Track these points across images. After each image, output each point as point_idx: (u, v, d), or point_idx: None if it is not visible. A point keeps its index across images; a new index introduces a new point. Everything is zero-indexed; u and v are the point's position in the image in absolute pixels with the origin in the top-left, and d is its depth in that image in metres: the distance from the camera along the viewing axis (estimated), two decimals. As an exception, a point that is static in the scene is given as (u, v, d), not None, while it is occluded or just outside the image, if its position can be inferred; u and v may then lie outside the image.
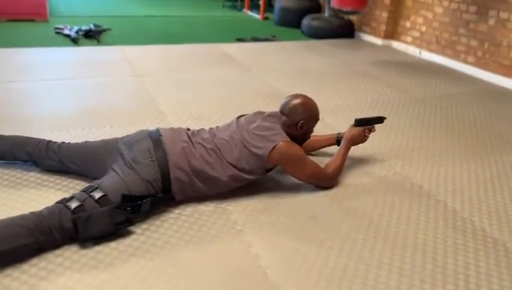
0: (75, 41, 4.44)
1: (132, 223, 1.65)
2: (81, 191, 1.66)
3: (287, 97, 2.07)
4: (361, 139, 2.20)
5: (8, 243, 1.45)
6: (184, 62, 3.99)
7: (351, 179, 2.18)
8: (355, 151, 2.38)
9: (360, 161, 2.36)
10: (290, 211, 1.89)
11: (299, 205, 1.93)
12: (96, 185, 1.67)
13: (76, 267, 1.48)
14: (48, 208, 1.56)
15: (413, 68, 4.39)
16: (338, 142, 2.22)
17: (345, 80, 3.79)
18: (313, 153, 2.36)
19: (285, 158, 1.91)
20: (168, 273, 1.48)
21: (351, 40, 5.46)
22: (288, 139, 1.93)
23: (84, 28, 4.80)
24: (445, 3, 4.50)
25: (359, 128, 2.19)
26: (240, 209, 1.87)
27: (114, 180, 1.71)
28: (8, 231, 1.45)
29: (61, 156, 1.95)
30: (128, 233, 1.65)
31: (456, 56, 4.45)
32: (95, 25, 5.01)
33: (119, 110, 2.80)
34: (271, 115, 2.04)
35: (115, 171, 1.77)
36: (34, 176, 1.98)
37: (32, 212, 1.53)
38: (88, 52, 4.14)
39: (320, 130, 2.40)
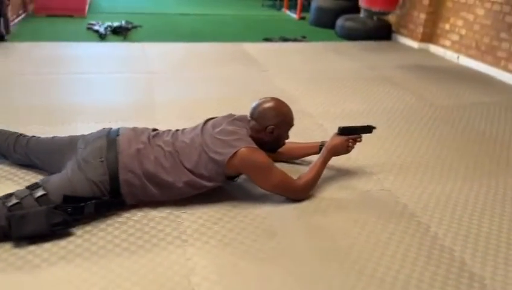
0: (102, 37, 4.53)
1: (70, 226, 1.60)
2: (26, 187, 1.63)
3: (258, 100, 1.94)
4: (343, 149, 2.02)
5: None
6: (200, 60, 3.95)
7: (329, 193, 2.00)
8: (344, 161, 2.21)
9: (345, 173, 2.18)
10: (248, 223, 1.76)
11: (260, 217, 1.80)
12: (40, 183, 1.64)
13: (1, 266, 1.45)
14: None
15: (447, 74, 4.06)
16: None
17: (364, 84, 3.57)
18: (297, 161, 2.22)
19: (247, 165, 1.79)
20: (90, 281, 1.41)
21: (386, 42, 5.16)
22: (253, 145, 1.80)
23: (115, 24, 4.90)
24: (488, 5, 4.12)
25: (342, 138, 2.01)
26: (194, 217, 1.77)
27: (60, 179, 1.68)
28: None
29: (28, 151, 1.95)
30: (67, 235, 1.60)
31: (496, 63, 4.06)
32: (127, 22, 5.09)
33: (113, 106, 2.79)
34: (238, 119, 1.92)
35: (66, 169, 1.73)
36: (1, 168, 2.00)
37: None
38: (110, 47, 4.21)
39: (318, 137, 2.27)
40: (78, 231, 1.63)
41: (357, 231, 1.76)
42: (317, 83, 3.53)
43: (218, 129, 1.86)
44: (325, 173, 2.12)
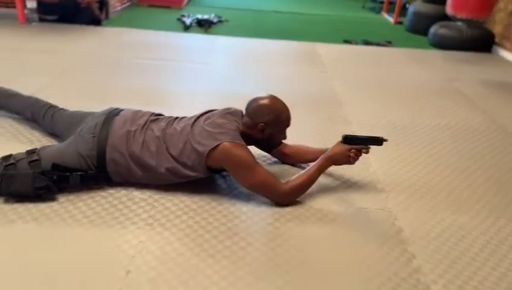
0: (186, 28, 4.80)
1: (53, 191, 1.74)
2: (25, 151, 1.82)
3: (255, 96, 1.90)
4: (344, 159, 1.88)
5: None
6: (264, 57, 3.97)
7: (321, 203, 1.88)
8: (358, 172, 2.10)
9: (352, 185, 2.03)
10: (217, 219, 1.74)
11: (232, 215, 1.76)
12: (37, 149, 1.81)
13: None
14: None
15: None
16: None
17: (431, 97, 3.25)
18: (304, 165, 2.12)
19: (227, 160, 1.77)
20: (39, 243, 1.53)
21: (483, 54, 4.61)
22: (237, 141, 1.77)
23: (205, 17, 5.14)
24: None
25: (344, 147, 1.87)
26: (170, 204, 1.80)
27: (55, 148, 1.83)
28: None
29: (52, 123, 2.16)
30: (51, 199, 1.73)
31: None
32: (216, 16, 5.32)
33: (158, 91, 2.96)
34: (232, 113, 1.91)
35: (66, 140, 1.89)
36: (34, 134, 2.25)
37: None
38: (188, 38, 4.43)
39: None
40: (62, 198, 1.77)
41: (328, 246, 1.64)
42: (375, 90, 3.32)
43: (208, 121, 1.86)
44: (329, 182, 2.03)
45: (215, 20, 5.15)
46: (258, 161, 2.16)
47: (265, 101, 1.86)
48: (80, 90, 2.87)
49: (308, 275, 1.49)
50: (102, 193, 1.83)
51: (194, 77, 3.32)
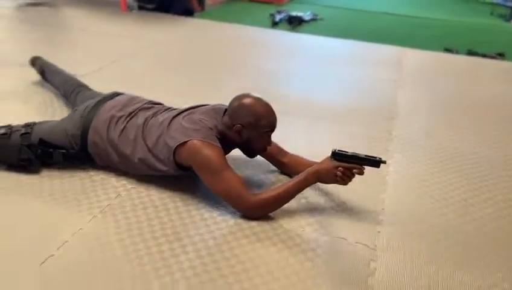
0: (273, 24, 4.71)
1: (35, 165, 1.82)
2: (24, 124, 1.92)
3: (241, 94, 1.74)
4: (330, 177, 1.63)
5: None
6: (337, 59, 3.70)
7: (294, 224, 1.65)
8: (363, 195, 1.86)
9: (344, 209, 1.76)
10: (169, 219, 1.64)
11: (188, 218, 1.65)
12: (33, 124, 1.91)
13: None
14: None
15: None
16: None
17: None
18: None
19: (193, 160, 1.65)
20: None
21: None
22: (210, 140, 1.65)
23: (298, 14, 4.98)
24: None
25: (332, 163, 1.62)
26: (136, 196, 1.75)
27: (48, 125, 1.91)
28: None
29: (75, 101, 2.27)
30: (35, 172, 1.82)
31: None
32: (312, 14, 5.13)
33: (217, 87, 2.94)
34: (216, 110, 1.78)
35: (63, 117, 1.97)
36: (62, 110, 2.40)
37: None
38: (271, 35, 4.34)
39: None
40: (45, 173, 1.84)
41: (272, 274, 1.42)
42: (447, 108, 2.84)
43: (189, 115, 1.77)
44: (323, 201, 1.79)
45: (307, 18, 4.97)
46: (255, 166, 2.00)
47: (246, 101, 1.70)
48: (142, 78, 3.00)
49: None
50: (82, 174, 1.86)
51: (263, 75, 3.24)
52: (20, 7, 4.55)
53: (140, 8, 4.71)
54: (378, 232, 1.66)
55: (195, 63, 3.34)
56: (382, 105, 2.80)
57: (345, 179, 1.62)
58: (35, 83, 2.68)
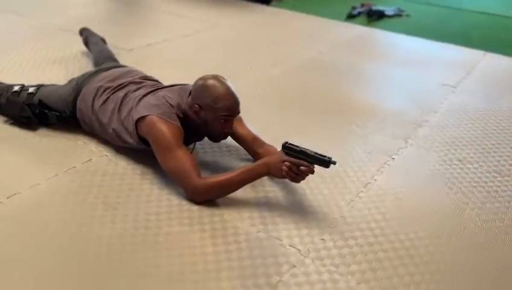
0: (348, 16, 4.48)
1: (33, 122, 2.00)
2: (36, 84, 2.11)
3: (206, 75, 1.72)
4: (276, 170, 1.55)
5: None
6: (401, 61, 3.41)
7: (236, 215, 1.60)
8: (336, 198, 1.72)
9: (304, 207, 1.65)
10: (120, 189, 1.69)
11: (135, 189, 1.69)
12: (41, 85, 2.08)
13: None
14: (6, 84, 2.13)
15: None
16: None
17: None
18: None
19: (149, 134, 1.68)
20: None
21: None
22: (167, 118, 1.67)
23: (379, 8, 4.66)
24: None
25: (281, 157, 1.53)
26: (104, 163, 1.84)
27: (51, 88, 2.08)
28: None
29: None
30: (33, 129, 2.01)
31: None
32: (398, 9, 4.76)
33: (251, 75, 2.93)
34: (184, 89, 1.79)
35: None
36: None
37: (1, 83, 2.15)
38: (340, 28, 4.12)
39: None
40: (41, 131, 2.01)
41: (178, 255, 1.40)
42: (495, 123, 2.46)
43: (158, 92, 1.79)
44: (282, 199, 1.69)
45: (390, 13, 4.63)
46: (231, 152, 1.96)
47: (208, 82, 1.66)
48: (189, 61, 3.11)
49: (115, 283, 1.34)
50: (70, 136, 2.00)
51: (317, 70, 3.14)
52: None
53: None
54: (322, 239, 1.52)
55: (249, 48, 3.34)
56: (420, 111, 2.51)
57: (290, 174, 1.52)
58: (82, 52, 2.93)
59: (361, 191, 1.79)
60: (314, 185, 1.79)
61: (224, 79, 1.69)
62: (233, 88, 1.68)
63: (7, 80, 2.24)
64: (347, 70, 3.06)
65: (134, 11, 4.13)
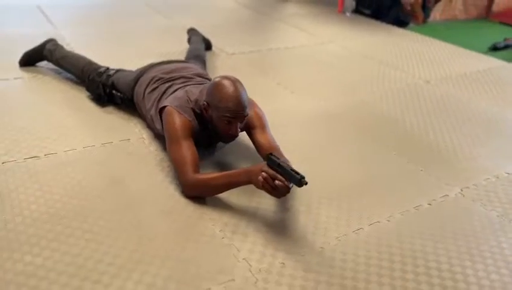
0: (491, 48, 3.92)
1: (101, 99, 2.31)
2: (116, 68, 2.40)
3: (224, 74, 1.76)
4: (255, 180, 1.50)
5: (69, 66, 2.54)
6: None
7: (208, 214, 1.58)
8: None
9: (279, 227, 1.56)
10: (123, 166, 1.84)
11: (136, 175, 1.81)
12: (120, 69, 2.36)
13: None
14: (97, 65, 2.47)
15: None
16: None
17: None
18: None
19: (164, 123, 1.80)
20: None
21: None
22: (182, 111, 1.76)
23: None
24: None
25: (261, 167, 1.48)
26: (138, 143, 2.02)
27: (125, 72, 2.34)
28: (71, 61, 2.53)
29: None
30: (102, 105, 2.32)
31: None
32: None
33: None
34: (206, 87, 1.82)
35: None
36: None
37: (90, 63, 2.49)
38: (464, 57, 3.64)
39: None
40: (108, 108, 2.31)
41: (137, 237, 1.46)
42: None
43: (187, 85, 1.90)
44: (268, 212, 1.65)
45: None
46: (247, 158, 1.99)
47: (219, 81, 1.69)
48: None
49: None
50: (125, 116, 2.26)
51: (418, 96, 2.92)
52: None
53: (357, 12, 4.74)
54: (282, 263, 1.41)
55: (352, 66, 3.24)
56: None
57: (265, 186, 1.45)
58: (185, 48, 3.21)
59: (361, 229, 1.59)
60: (316, 207, 1.68)
61: (238, 82, 1.70)
62: (243, 93, 1.67)
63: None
64: (448, 106, 2.71)
65: (264, 20, 4.34)
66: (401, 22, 4.47)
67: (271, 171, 1.45)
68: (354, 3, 4.78)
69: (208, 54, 3.13)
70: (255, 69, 3.01)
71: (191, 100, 1.80)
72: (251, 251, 1.46)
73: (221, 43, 3.41)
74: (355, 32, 4.13)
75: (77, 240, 1.44)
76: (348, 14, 4.72)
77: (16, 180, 1.70)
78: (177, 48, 3.25)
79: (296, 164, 1.85)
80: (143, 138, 2.08)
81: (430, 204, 1.76)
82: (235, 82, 1.69)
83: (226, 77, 1.72)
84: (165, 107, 1.81)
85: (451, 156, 2.13)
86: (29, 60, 2.72)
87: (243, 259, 1.42)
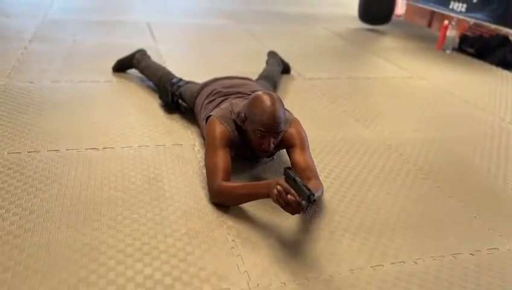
0: None
1: (168, 107, 2.48)
2: (187, 80, 2.56)
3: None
4: (271, 193, 1.48)
5: (150, 75, 2.77)
6: None
7: (227, 223, 1.58)
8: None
9: (284, 247, 1.52)
10: (167, 171, 1.93)
11: (172, 173, 1.88)
12: (189, 81, 2.51)
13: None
14: (172, 76, 2.66)
15: None
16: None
17: None
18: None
19: (205, 131, 1.87)
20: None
21: None
22: (223, 121, 1.84)
23: None
24: None
25: (278, 180, 1.46)
26: (187, 148, 2.11)
27: (193, 85, 2.47)
28: (153, 70, 2.76)
29: None
30: (170, 111, 2.49)
31: None
32: None
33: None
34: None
35: None
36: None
37: (167, 73, 2.69)
38: None
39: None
40: (174, 115, 2.47)
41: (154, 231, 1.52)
42: None
43: (234, 100, 1.95)
44: (285, 230, 1.64)
45: None
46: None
47: (258, 95, 1.74)
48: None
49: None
50: (186, 124, 2.39)
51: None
52: (360, 30, 5.20)
53: (460, 50, 4.45)
54: (282, 283, 1.37)
55: (428, 101, 3.05)
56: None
57: (279, 199, 1.43)
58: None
59: (381, 265, 1.47)
60: (339, 235, 1.60)
61: (277, 98, 1.71)
62: (279, 109, 1.68)
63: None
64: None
65: (355, 51, 4.28)
66: (507, 63, 4.09)
67: (285, 185, 1.42)
68: (456, 41, 4.51)
69: (284, 77, 3.20)
70: (324, 95, 2.99)
71: (233, 112, 1.86)
72: (256, 265, 1.44)
73: (301, 68, 3.45)
74: (451, 70, 3.87)
75: (100, 225, 1.56)
76: (448, 51, 4.46)
77: (71, 166, 1.90)
78: (258, 69, 3.36)
79: (335, 188, 1.79)
80: (194, 144, 2.18)
81: (472, 254, 1.57)
82: (273, 98, 1.71)
83: (266, 92, 1.74)
84: (209, 116, 1.89)
85: (518, 209, 1.88)
86: (121, 66, 3.03)
87: (245, 271, 1.41)
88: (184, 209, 1.68)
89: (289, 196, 1.40)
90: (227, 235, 1.56)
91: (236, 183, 1.67)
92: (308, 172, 1.77)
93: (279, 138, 1.76)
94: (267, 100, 1.70)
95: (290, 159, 1.83)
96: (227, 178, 1.71)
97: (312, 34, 4.75)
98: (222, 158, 1.74)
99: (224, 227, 1.60)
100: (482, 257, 1.57)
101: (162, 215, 1.64)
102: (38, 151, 1.98)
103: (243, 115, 1.77)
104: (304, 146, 1.83)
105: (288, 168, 1.46)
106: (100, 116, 2.39)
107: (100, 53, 3.40)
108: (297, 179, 1.40)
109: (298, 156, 1.81)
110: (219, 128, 1.80)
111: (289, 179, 1.43)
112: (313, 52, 4.02)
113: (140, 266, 1.39)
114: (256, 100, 1.72)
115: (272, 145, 1.74)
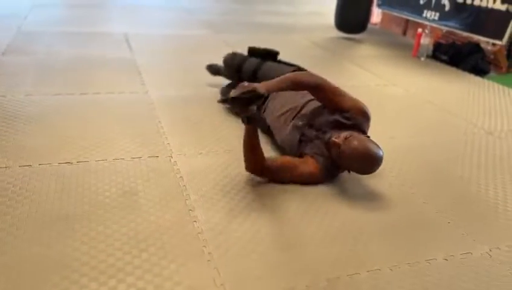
0: None
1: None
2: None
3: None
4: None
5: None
6: None
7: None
8: None
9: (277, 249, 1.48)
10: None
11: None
12: None
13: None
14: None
15: None
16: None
17: None
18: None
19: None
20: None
21: None
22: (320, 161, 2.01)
23: None
24: None
25: None
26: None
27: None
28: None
29: None
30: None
31: None
32: None
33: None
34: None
35: None
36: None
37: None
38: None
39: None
40: (149, 127, 2.44)
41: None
42: None
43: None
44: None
45: None
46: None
47: (361, 141, 1.90)
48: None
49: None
50: (163, 135, 2.35)
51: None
52: (337, 39, 5.26)
53: (434, 57, 4.54)
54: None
55: (404, 108, 3.09)
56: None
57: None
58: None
59: (357, 274, 1.48)
60: (316, 244, 1.59)
61: (375, 151, 1.90)
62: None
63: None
64: (505, 160, 2.45)
65: (331, 58, 4.33)
66: (480, 70, 4.20)
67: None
68: (430, 48, 4.60)
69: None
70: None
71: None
72: (232, 277, 1.43)
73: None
74: (425, 77, 3.95)
75: (73, 241, 1.53)
76: (422, 59, 4.54)
77: (44, 181, 1.86)
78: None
79: (312, 200, 1.79)
80: (171, 156, 2.16)
81: (446, 259, 1.59)
82: (375, 146, 1.94)
83: (369, 142, 1.95)
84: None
85: (491, 213, 1.92)
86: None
87: (221, 284, 1.40)
88: (159, 223, 1.66)
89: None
90: (204, 248, 1.55)
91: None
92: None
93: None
94: (371, 151, 1.88)
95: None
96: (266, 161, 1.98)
97: (289, 43, 4.78)
98: (279, 159, 2.11)
99: (200, 239, 1.59)
100: (456, 261, 1.59)
101: (137, 229, 1.62)
102: (9, 167, 1.94)
103: (337, 142, 1.91)
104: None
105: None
106: (75, 129, 2.35)
107: (76, 65, 3.36)
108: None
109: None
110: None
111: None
112: (290, 61, 4.04)
113: (114, 282, 1.37)
114: (360, 148, 1.87)
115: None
